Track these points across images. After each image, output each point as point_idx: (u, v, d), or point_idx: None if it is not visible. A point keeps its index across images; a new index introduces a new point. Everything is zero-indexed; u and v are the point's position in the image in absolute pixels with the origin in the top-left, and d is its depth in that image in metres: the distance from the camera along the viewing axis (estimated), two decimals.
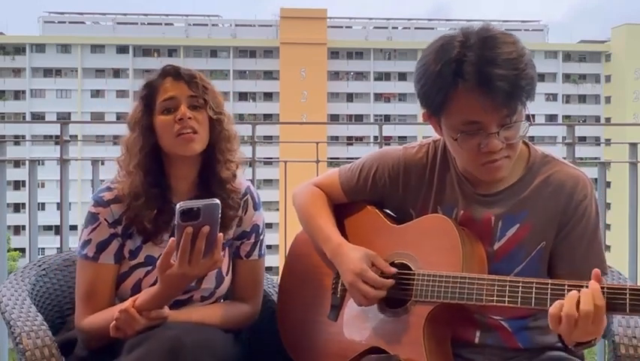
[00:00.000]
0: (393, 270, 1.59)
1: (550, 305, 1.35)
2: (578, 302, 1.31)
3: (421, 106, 1.51)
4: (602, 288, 1.33)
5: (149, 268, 1.70)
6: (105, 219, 1.70)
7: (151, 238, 1.71)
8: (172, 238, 1.51)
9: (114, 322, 1.56)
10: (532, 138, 1.49)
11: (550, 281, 1.39)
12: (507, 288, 1.43)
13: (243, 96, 54.24)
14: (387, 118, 52.86)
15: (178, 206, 1.46)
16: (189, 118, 1.67)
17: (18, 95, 51.89)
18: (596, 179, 3.49)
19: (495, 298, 1.44)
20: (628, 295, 1.32)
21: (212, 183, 1.74)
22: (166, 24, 56.04)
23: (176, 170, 1.73)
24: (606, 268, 1.62)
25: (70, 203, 3.80)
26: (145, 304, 1.56)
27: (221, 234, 1.53)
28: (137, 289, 1.70)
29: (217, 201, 1.50)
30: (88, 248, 1.70)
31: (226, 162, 1.74)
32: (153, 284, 1.67)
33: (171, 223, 1.71)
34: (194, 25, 55.62)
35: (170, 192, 1.74)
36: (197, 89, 1.71)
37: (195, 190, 1.75)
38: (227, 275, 1.78)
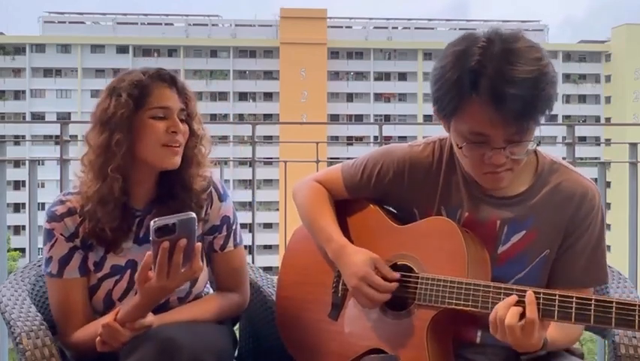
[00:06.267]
0: (397, 275, 1.58)
1: (557, 317, 1.36)
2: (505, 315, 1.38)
3: (433, 107, 1.49)
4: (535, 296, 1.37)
5: (117, 277, 1.68)
6: (61, 234, 1.65)
7: (111, 248, 1.66)
8: (149, 253, 1.48)
9: (99, 337, 1.54)
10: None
11: (557, 293, 1.38)
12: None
13: (243, 96, 54.23)
14: (387, 118, 52.83)
15: (152, 223, 1.44)
16: (180, 132, 1.64)
17: (18, 95, 51.87)
18: (596, 179, 3.49)
19: None
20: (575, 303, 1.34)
21: (177, 190, 1.68)
22: (166, 24, 56.00)
23: (137, 174, 1.66)
24: (607, 279, 1.61)
25: None
26: (126, 316, 1.53)
27: (199, 244, 1.50)
28: (108, 300, 1.68)
29: (193, 215, 1.47)
30: (51, 266, 1.66)
31: (198, 176, 1.70)
32: (125, 292, 1.67)
33: (131, 231, 1.68)
34: (194, 25, 55.59)
35: (130, 197, 1.67)
36: (185, 101, 1.68)
37: (153, 194, 1.70)
38: (201, 272, 1.73)
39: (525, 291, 1.39)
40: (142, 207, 1.70)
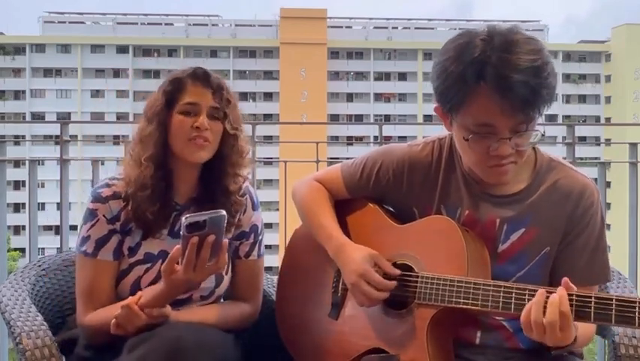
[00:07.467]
0: (397, 271, 1.58)
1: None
2: (545, 309, 1.33)
3: (438, 103, 1.50)
4: (571, 296, 1.34)
5: (149, 265, 1.71)
6: (104, 216, 1.70)
7: (150, 233, 1.71)
8: (177, 247, 1.52)
9: (114, 319, 1.56)
10: None
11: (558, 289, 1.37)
12: (513, 295, 1.42)
13: (243, 96, 54.19)
14: (387, 118, 52.84)
15: (184, 219, 1.49)
16: (206, 129, 1.68)
17: (18, 95, 51.91)
18: (596, 179, 3.49)
19: (501, 305, 1.43)
20: (593, 303, 1.32)
21: (217, 192, 1.75)
22: (166, 24, 56.04)
23: (180, 169, 1.74)
24: (609, 276, 1.61)
25: (70, 203, 3.80)
26: (148, 302, 1.57)
27: (226, 240, 1.55)
28: (136, 286, 1.70)
29: (223, 212, 1.52)
30: (87, 244, 1.70)
31: (235, 175, 1.76)
32: (152, 282, 1.68)
33: (170, 220, 1.73)
34: (194, 25, 55.63)
35: (173, 190, 1.75)
36: (221, 100, 1.72)
37: (195, 192, 1.77)
38: (226, 275, 1.79)
39: (536, 290, 1.38)
40: (183, 203, 1.76)
